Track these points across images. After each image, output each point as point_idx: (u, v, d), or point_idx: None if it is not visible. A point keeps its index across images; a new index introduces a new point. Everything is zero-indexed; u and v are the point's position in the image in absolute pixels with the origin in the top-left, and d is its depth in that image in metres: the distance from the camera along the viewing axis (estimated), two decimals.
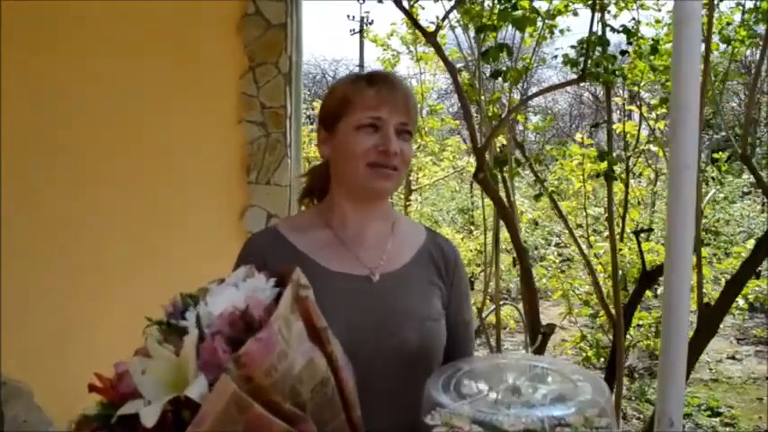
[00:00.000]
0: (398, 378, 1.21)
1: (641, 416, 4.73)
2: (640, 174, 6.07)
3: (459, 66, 2.94)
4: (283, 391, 0.92)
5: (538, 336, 2.74)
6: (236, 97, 3.18)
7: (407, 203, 6.66)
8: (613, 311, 2.90)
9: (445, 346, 1.29)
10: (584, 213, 4.24)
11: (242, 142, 3.20)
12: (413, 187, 6.86)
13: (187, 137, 3.13)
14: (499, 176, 3.00)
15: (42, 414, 2.88)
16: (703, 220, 5.81)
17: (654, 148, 4.24)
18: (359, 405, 1.04)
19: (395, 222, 1.37)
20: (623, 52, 3.11)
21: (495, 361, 1.12)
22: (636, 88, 3.87)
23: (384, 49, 4.57)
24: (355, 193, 1.30)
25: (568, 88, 15.75)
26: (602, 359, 5.00)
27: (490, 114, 2.89)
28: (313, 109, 8.21)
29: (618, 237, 3.97)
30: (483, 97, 2.98)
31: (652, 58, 3.23)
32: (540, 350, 2.77)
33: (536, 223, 7.83)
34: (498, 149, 3.33)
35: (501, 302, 3.71)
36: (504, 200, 3.00)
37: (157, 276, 3.01)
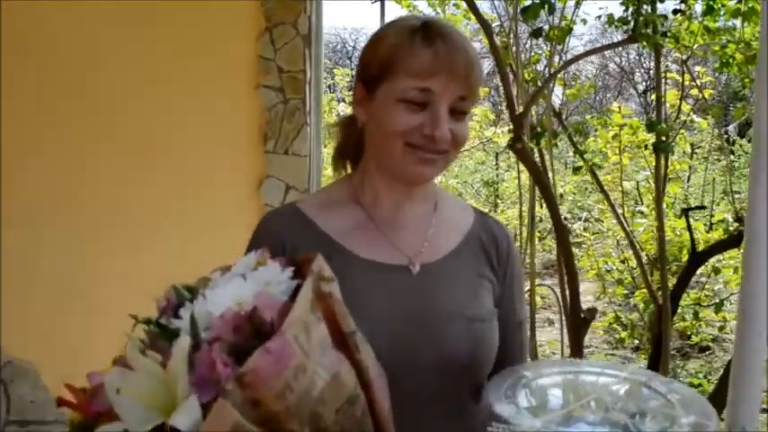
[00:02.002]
0: (441, 390, 1.00)
1: None
2: (673, 147, 5.79)
3: (493, 26, 2.69)
4: (301, 416, 0.72)
5: (578, 320, 2.54)
6: (253, 61, 2.97)
7: None
8: (659, 295, 2.69)
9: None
10: (621, 188, 3.98)
11: (259, 109, 3.01)
12: None
13: (201, 103, 2.94)
14: (535, 147, 2.78)
15: (49, 395, 2.75)
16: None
17: (697, 119, 3.97)
18: (393, 427, 0.84)
19: (438, 201, 1.13)
20: (676, 11, 2.83)
21: (564, 368, 0.91)
22: (679, 54, 3.59)
23: (410, 11, 4.32)
24: (389, 174, 1.05)
25: (593, 58, 15.32)
26: (636, 340, 4.79)
27: (528, 79, 2.65)
28: (333, 78, 7.98)
29: (655, 213, 3.73)
30: (518, 60, 2.73)
31: (704, 19, 2.95)
32: (581, 336, 2.57)
33: (560, 196, 7.60)
34: (532, 118, 3.09)
35: (538, 284, 3.50)
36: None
37: (171, 250, 2.86)
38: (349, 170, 1.15)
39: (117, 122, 2.87)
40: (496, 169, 9.11)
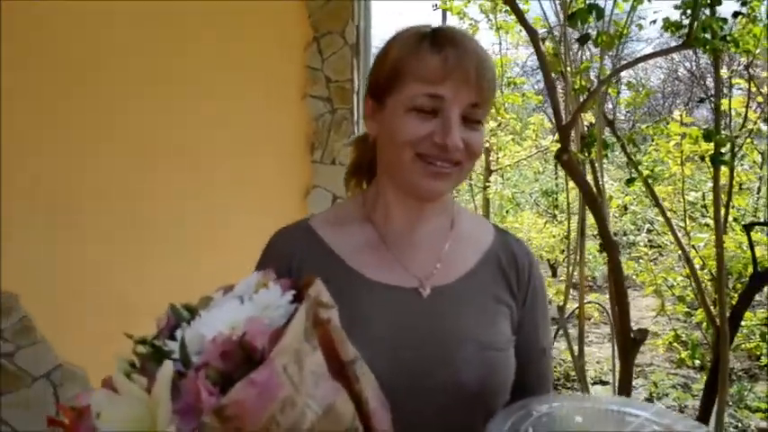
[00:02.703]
0: (450, 418, 0.94)
1: (739, 424, 4.28)
2: (743, 156, 5.51)
3: (541, 33, 2.60)
4: None
5: (628, 341, 2.41)
6: (300, 71, 2.98)
7: (487, 185, 6.33)
8: (717, 317, 2.53)
9: (513, 381, 0.99)
10: (682, 200, 3.80)
11: (306, 119, 3.01)
12: (492, 168, 6.52)
13: (248, 113, 2.96)
14: (586, 158, 2.67)
15: None
16: None
17: (764, 127, 3.75)
18: None
19: (455, 218, 1.07)
20: (737, 14, 2.67)
21: (581, 404, 0.85)
22: (745, 58, 3.40)
23: (460, 18, 4.27)
24: (401, 189, 1.00)
25: (662, 63, 14.78)
26: (698, 361, 4.56)
27: (577, 87, 2.55)
28: None
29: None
30: (569, 68, 2.64)
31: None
32: (630, 358, 2.45)
33: (625, 208, 7.34)
34: (585, 128, 2.98)
35: (587, 301, 3.37)
36: (592, 184, 2.66)
37: (216, 258, 2.87)
38: (364, 187, 1.11)
39: (163, 130, 2.91)
40: (555, 179, 8.90)
